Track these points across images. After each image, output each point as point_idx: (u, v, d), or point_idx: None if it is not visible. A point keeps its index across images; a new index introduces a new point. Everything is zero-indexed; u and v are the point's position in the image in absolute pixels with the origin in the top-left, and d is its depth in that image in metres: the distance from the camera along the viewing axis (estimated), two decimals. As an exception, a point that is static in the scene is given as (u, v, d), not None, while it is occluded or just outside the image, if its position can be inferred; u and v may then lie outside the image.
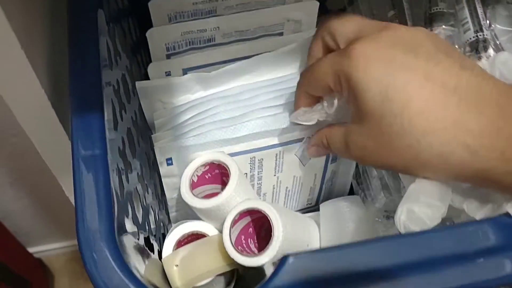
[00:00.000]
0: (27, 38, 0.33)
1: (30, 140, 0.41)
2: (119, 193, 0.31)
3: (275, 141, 0.42)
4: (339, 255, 0.28)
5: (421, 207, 0.31)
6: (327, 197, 0.52)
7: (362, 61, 0.29)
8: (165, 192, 0.44)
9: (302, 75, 0.37)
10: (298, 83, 0.37)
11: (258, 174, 0.44)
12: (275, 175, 0.45)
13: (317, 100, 0.37)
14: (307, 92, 0.37)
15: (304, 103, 0.37)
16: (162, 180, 0.43)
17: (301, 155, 0.44)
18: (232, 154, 0.41)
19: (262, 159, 0.43)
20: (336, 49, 0.35)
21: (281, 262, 0.28)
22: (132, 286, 0.26)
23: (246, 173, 0.44)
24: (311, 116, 0.37)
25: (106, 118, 0.31)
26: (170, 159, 0.41)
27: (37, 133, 0.41)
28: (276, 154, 0.43)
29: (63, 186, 0.43)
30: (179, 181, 0.39)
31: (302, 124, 0.38)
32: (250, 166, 0.43)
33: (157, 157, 0.41)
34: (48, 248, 0.96)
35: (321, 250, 0.30)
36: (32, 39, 0.35)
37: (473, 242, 0.29)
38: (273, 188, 0.47)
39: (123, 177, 0.33)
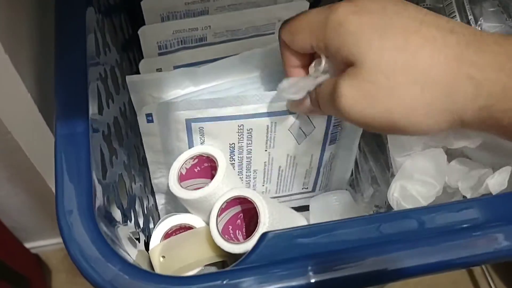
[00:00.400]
0: (11, 42, 0.34)
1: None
2: (101, 173, 0.31)
3: (265, 108, 0.40)
4: (318, 231, 0.28)
5: (414, 185, 0.31)
6: (325, 184, 0.50)
7: (351, 13, 0.29)
8: (146, 154, 0.43)
9: (282, 30, 0.34)
10: (280, 43, 0.35)
11: (247, 146, 0.43)
12: (266, 150, 0.43)
13: (303, 62, 0.35)
14: (290, 48, 0.34)
15: (289, 62, 0.35)
16: (142, 138, 0.42)
17: (296, 132, 0.42)
18: (218, 119, 0.40)
19: (251, 129, 0.41)
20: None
21: (260, 238, 0.28)
22: (106, 256, 0.26)
23: (234, 144, 0.42)
24: (298, 87, 0.34)
25: (90, 101, 0.31)
26: (150, 115, 0.41)
27: (24, 135, 0.42)
28: (267, 126, 0.41)
29: (49, 183, 0.43)
30: (160, 142, 0.38)
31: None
32: (238, 135, 0.41)
33: (136, 112, 0.41)
34: (45, 244, 0.96)
35: (300, 227, 0.30)
36: (17, 44, 0.35)
37: (460, 218, 0.29)
38: (265, 165, 0.45)
39: (106, 160, 0.33)
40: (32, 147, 0.43)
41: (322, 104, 0.33)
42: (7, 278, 0.80)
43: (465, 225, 0.29)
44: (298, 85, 0.34)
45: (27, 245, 0.95)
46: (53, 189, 0.46)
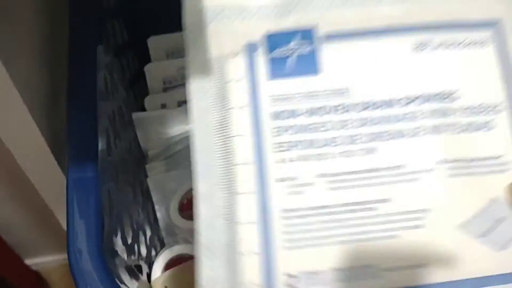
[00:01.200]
0: (26, 87, 0.36)
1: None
2: (108, 214, 0.33)
3: None
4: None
5: None
6: None
7: None
8: (158, 218, 0.46)
9: None
10: None
11: None
12: None
13: None
14: None
15: None
16: (155, 206, 0.45)
17: None
18: None
19: None
20: None
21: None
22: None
23: None
24: None
25: (100, 143, 0.33)
26: None
27: (35, 173, 0.43)
28: None
29: (49, 205, 0.45)
30: None
31: None
32: None
33: (149, 187, 0.44)
34: (46, 261, 0.97)
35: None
36: (33, 93, 0.37)
37: None
38: None
39: (114, 199, 0.35)
40: (42, 183, 0.45)
41: None
42: (7, 295, 0.82)
43: None
44: None
45: (28, 261, 0.96)
46: (53, 210, 0.48)
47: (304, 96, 0.26)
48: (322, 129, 0.26)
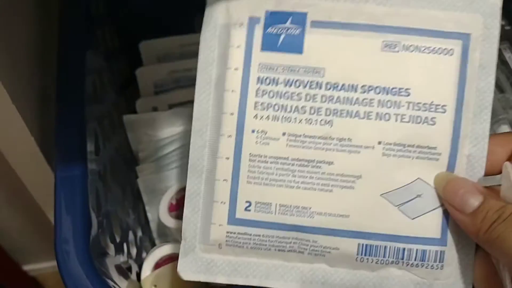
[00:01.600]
0: (17, 93, 0.37)
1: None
2: (96, 212, 0.34)
3: None
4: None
5: None
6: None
7: None
8: (149, 219, 0.47)
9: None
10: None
11: None
12: None
13: None
14: None
15: None
16: (146, 207, 0.46)
17: None
18: None
19: None
20: None
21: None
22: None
23: None
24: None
25: (88, 144, 0.34)
26: None
27: (26, 172, 0.45)
28: None
29: (45, 211, 0.46)
30: None
31: None
32: None
33: (140, 189, 0.45)
34: (43, 267, 0.97)
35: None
36: (23, 93, 0.38)
37: None
38: None
39: (102, 198, 0.36)
40: (33, 183, 0.46)
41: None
42: (4, 301, 0.82)
43: None
44: None
45: (25, 267, 0.97)
46: (49, 216, 0.49)
47: (286, 69, 0.32)
48: (295, 98, 0.31)
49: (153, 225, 0.49)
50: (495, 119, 0.43)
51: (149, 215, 0.47)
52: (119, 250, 0.38)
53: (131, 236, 0.43)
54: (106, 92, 0.44)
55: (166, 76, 0.51)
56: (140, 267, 0.43)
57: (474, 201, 0.29)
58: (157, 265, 0.43)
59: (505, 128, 0.42)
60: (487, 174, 0.32)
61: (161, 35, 0.52)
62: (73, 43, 0.39)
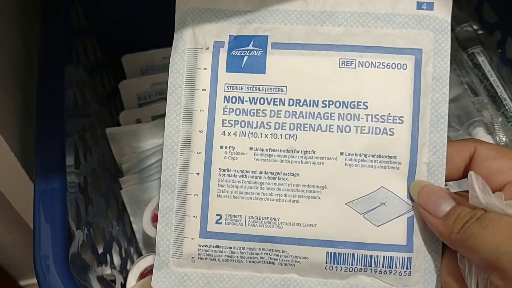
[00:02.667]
0: None
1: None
2: (76, 225, 0.34)
3: None
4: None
5: None
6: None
7: None
8: (134, 231, 0.47)
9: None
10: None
11: None
12: None
13: None
14: None
15: None
16: (130, 218, 0.46)
17: None
18: None
19: None
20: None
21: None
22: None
23: None
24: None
25: (67, 157, 0.35)
26: None
27: (7, 187, 0.45)
28: None
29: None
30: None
31: None
32: None
33: (124, 200, 0.45)
34: None
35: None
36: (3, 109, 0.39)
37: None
38: None
39: (82, 210, 0.36)
40: (15, 199, 0.46)
41: (480, 253, 0.27)
42: (-1, 317, 0.82)
43: None
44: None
45: (22, 282, 0.97)
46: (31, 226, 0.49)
47: (251, 88, 0.34)
48: (260, 114, 0.33)
49: (138, 236, 0.49)
50: (470, 122, 0.44)
51: (135, 226, 0.48)
52: (101, 261, 0.39)
53: (115, 247, 0.43)
54: (89, 105, 0.45)
55: (149, 88, 0.51)
56: (125, 278, 0.43)
57: (446, 205, 0.30)
58: (142, 276, 0.43)
59: (480, 130, 0.43)
60: (447, 180, 0.33)
61: (143, 47, 0.53)
62: (53, 57, 0.40)
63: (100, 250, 0.39)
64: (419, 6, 0.34)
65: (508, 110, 0.44)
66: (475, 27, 0.48)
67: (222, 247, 0.33)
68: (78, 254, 0.34)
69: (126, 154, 0.47)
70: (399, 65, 0.33)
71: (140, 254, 0.50)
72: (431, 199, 0.31)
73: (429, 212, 0.31)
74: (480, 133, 0.43)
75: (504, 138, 0.43)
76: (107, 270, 0.40)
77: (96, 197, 0.41)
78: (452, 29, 0.48)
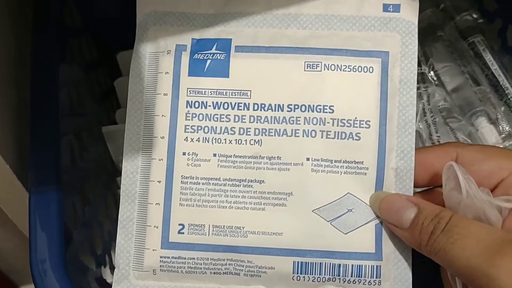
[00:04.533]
0: None
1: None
2: (72, 225, 0.33)
3: None
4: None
5: None
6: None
7: None
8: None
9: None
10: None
11: None
12: None
13: None
14: None
15: None
16: None
17: None
18: None
19: None
20: None
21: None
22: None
23: None
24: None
25: (62, 156, 0.34)
26: None
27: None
28: None
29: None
30: None
31: None
32: None
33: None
34: None
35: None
36: None
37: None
38: None
39: (79, 211, 0.36)
40: (9, 207, 0.46)
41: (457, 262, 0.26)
42: (1, 322, 0.82)
43: None
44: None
45: (23, 288, 0.96)
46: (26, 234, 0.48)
47: (214, 92, 0.33)
48: (224, 119, 0.32)
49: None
50: (473, 112, 0.43)
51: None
52: (100, 262, 0.38)
53: (113, 247, 0.43)
54: (84, 103, 0.44)
55: (145, 85, 0.51)
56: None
57: (409, 214, 0.29)
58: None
59: (483, 120, 0.42)
60: (425, 185, 0.32)
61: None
62: (46, 55, 0.39)
63: (99, 251, 0.39)
64: (385, 8, 0.33)
65: (511, 99, 0.43)
66: (475, 15, 0.47)
67: (185, 258, 0.32)
68: (76, 257, 0.33)
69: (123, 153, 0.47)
70: (365, 68, 0.32)
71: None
72: (393, 211, 0.30)
73: (395, 225, 0.30)
74: (483, 123, 0.42)
75: (507, 128, 0.42)
76: (107, 270, 0.40)
77: (94, 197, 0.40)
78: (452, 18, 0.48)
